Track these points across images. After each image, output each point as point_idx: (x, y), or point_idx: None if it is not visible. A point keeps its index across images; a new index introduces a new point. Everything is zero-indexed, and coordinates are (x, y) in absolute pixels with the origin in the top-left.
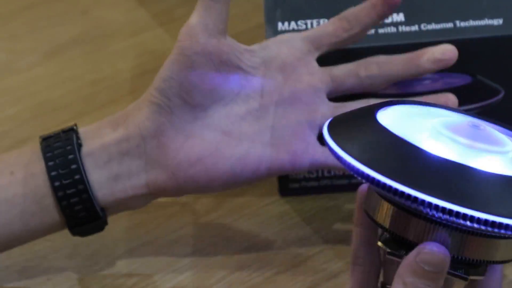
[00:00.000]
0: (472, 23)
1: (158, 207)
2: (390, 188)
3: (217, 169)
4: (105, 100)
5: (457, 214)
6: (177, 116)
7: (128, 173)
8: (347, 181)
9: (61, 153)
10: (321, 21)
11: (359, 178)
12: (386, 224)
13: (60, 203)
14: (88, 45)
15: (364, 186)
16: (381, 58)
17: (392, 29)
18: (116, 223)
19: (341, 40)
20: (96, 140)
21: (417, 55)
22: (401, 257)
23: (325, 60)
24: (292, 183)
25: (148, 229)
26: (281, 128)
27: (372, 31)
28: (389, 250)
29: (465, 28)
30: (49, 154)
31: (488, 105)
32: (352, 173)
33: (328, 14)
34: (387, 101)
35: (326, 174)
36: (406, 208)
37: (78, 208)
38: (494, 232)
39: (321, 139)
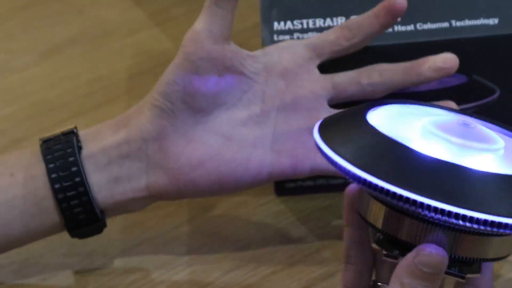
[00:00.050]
0: (468, 22)
1: (154, 206)
2: (382, 189)
3: (218, 173)
4: (101, 100)
5: (452, 215)
6: (179, 120)
7: (129, 176)
8: (343, 180)
9: (62, 155)
10: (317, 20)
11: (351, 180)
12: (379, 225)
13: (60, 205)
14: (85, 44)
15: (352, 187)
16: (383, 66)
17: (388, 29)
18: (112, 223)
19: (343, 49)
20: (97, 142)
21: (418, 64)
22: (396, 258)
23: (324, 64)
24: (288, 183)
25: (144, 228)
26: (283, 133)
27: None
28: (385, 252)
29: (461, 27)
30: (49, 157)
31: (484, 105)
32: (343, 175)
33: (324, 14)
34: (377, 101)
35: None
36: (399, 208)
37: (77, 210)
38: (489, 230)
39: None
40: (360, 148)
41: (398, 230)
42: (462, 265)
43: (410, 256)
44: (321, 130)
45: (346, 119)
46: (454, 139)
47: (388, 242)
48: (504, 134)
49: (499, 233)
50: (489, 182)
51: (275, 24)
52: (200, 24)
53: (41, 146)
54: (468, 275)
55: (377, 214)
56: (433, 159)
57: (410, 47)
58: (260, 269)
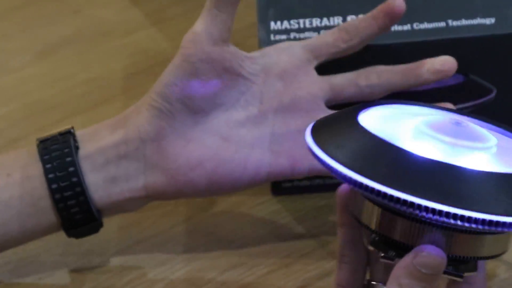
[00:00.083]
0: (464, 22)
1: (151, 206)
2: (377, 192)
3: (217, 173)
4: (97, 100)
5: (450, 215)
6: (177, 120)
7: (126, 176)
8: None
9: (59, 155)
10: (314, 20)
11: (345, 182)
12: (373, 226)
13: (57, 205)
14: (81, 44)
15: (343, 187)
16: (381, 68)
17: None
18: (109, 222)
19: (340, 51)
20: (94, 142)
21: (417, 66)
22: (393, 259)
23: (322, 65)
24: (285, 182)
25: (140, 228)
26: (281, 134)
27: None
28: (382, 254)
29: (458, 27)
30: (46, 157)
31: (481, 104)
32: (337, 178)
33: (321, 13)
34: (368, 103)
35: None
36: (393, 209)
37: (74, 210)
38: (485, 229)
39: None
40: (353, 151)
41: (394, 231)
42: (458, 264)
43: (408, 257)
44: (314, 133)
45: (338, 122)
46: (446, 138)
47: (383, 243)
48: (497, 132)
49: (495, 231)
50: (482, 180)
51: (272, 23)
52: (200, 26)
53: (38, 146)
54: (465, 274)
55: (371, 215)
56: (426, 160)
57: (407, 47)
58: (256, 269)
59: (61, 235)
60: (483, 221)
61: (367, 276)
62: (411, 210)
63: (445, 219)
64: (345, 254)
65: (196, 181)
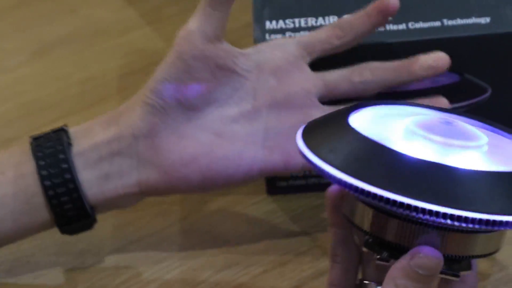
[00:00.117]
0: (459, 21)
1: (146, 205)
2: (372, 195)
3: (210, 169)
4: (93, 99)
5: (447, 216)
6: (171, 117)
7: (119, 172)
8: None
9: (52, 152)
10: (309, 20)
11: (338, 185)
12: (366, 228)
13: (50, 202)
14: (76, 44)
15: (333, 188)
16: (375, 64)
17: (380, 28)
18: (104, 222)
19: (334, 47)
20: (87, 139)
21: (410, 62)
22: (387, 260)
23: (316, 62)
24: (280, 182)
25: (135, 227)
26: (274, 130)
27: None
28: (378, 257)
29: (453, 26)
30: (39, 154)
31: (476, 103)
32: (330, 180)
33: (316, 13)
34: (359, 104)
35: (314, 172)
36: (387, 211)
37: (68, 207)
38: (480, 229)
39: None
40: (345, 153)
41: (388, 233)
42: (453, 263)
43: (405, 258)
44: (305, 136)
45: (329, 124)
46: (437, 138)
47: (377, 244)
48: (487, 129)
49: (490, 230)
50: (476, 180)
51: (267, 23)
52: (194, 23)
53: (31, 144)
54: (461, 273)
55: (364, 217)
56: (418, 160)
57: (402, 46)
58: (251, 268)
59: (56, 234)
60: (480, 221)
61: (360, 276)
62: (406, 212)
63: (441, 220)
64: (337, 253)
65: (189, 177)
